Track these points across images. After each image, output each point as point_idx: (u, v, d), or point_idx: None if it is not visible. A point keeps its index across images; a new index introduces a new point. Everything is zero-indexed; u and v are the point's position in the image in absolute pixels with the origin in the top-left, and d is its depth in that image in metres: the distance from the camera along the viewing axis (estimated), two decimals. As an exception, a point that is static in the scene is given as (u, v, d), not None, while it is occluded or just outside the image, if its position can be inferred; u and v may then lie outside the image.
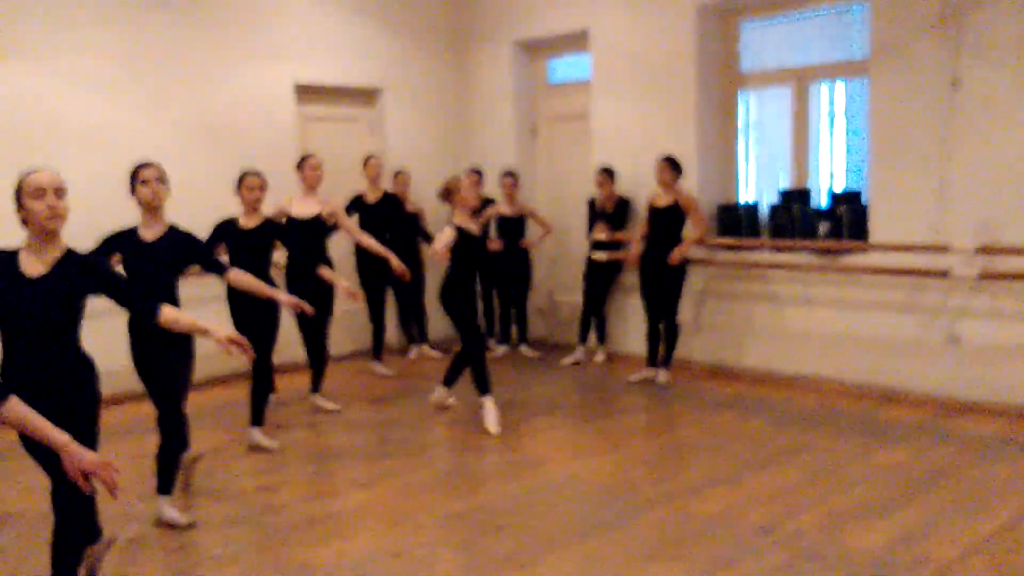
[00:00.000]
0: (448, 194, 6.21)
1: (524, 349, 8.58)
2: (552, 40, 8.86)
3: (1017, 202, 5.94)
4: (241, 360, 3.49)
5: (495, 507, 4.67)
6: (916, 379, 6.47)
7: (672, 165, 7.04)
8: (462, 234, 6.09)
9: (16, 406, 2.60)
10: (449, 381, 6.51)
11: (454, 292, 6.25)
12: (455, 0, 9.39)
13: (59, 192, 3.18)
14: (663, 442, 5.94)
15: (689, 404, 6.66)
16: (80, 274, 3.23)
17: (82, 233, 4.19)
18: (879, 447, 5.43)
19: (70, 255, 3.26)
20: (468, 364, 6.25)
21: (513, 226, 8.43)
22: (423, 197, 8.62)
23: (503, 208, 8.43)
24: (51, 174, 3.19)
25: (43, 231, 3.18)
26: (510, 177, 8.41)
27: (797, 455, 5.36)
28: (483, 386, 6.16)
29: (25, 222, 3.19)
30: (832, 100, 7.47)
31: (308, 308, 4.96)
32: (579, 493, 4.85)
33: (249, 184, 5.62)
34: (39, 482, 4.28)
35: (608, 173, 7.85)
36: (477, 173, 8.40)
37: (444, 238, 6.03)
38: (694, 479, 5.02)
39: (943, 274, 6.18)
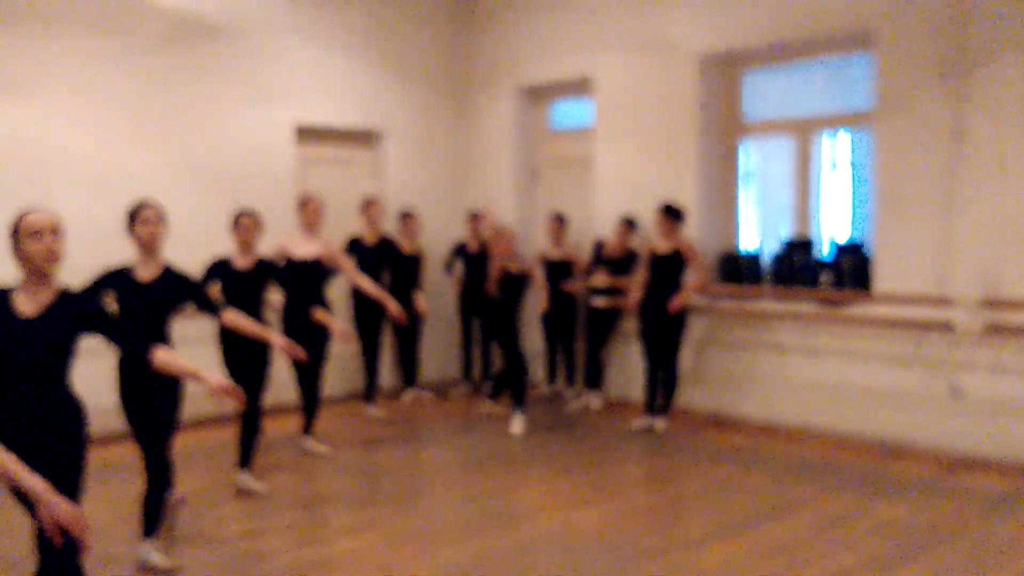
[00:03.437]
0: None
1: (566, 391, 8.47)
2: (554, 86, 8.95)
3: (1021, 255, 5.95)
4: (230, 402, 3.48)
5: (488, 557, 4.59)
6: (920, 433, 6.41)
7: (670, 215, 7.05)
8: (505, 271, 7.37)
9: None
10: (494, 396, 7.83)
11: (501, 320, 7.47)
12: (457, 44, 9.50)
13: (56, 233, 3.18)
14: (661, 493, 5.86)
15: (688, 454, 6.59)
16: (74, 314, 3.21)
17: (76, 272, 4.17)
18: (882, 501, 5.36)
19: (64, 295, 3.24)
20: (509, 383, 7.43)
21: (558, 269, 8.17)
22: (422, 239, 8.65)
23: (549, 251, 8.29)
24: (48, 215, 3.19)
25: (38, 272, 3.17)
26: (557, 220, 8.30)
27: (799, 509, 5.29)
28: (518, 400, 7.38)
29: (21, 261, 3.19)
30: (835, 151, 7.53)
31: (302, 354, 4.90)
32: (574, 545, 4.77)
33: (243, 224, 5.62)
34: (19, 523, 4.23)
35: (630, 224, 7.81)
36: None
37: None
38: (693, 532, 4.94)
39: (946, 327, 6.17)
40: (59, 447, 3.19)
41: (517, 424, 7.22)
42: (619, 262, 7.88)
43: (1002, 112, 6.01)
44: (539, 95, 9.21)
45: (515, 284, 7.39)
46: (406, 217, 8.41)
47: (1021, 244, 5.95)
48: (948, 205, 6.25)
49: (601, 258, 7.98)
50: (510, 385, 7.44)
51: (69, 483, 3.13)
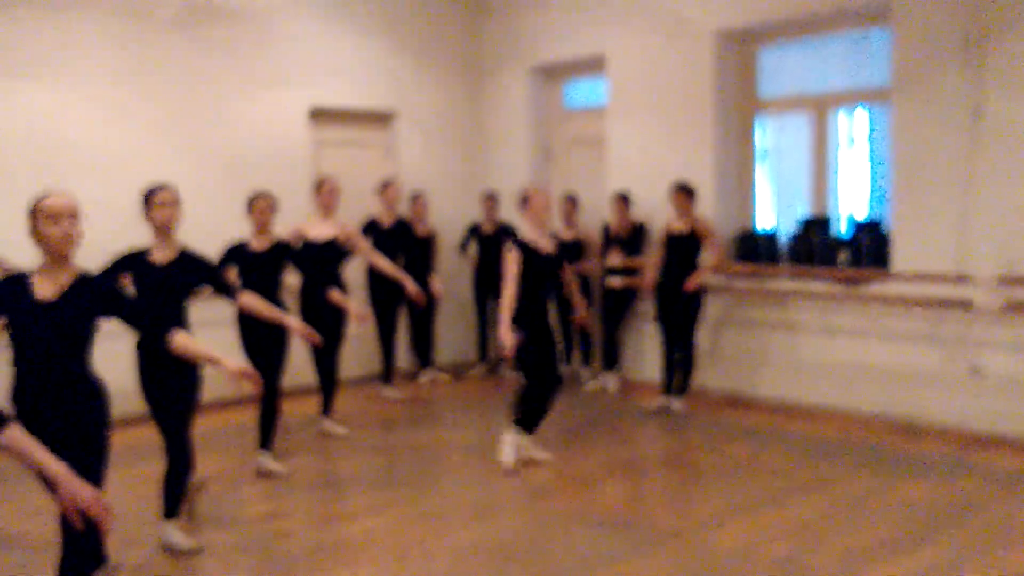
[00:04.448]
0: (523, 203, 5.76)
1: (584, 373, 8.50)
2: (568, 65, 8.90)
3: (1042, 232, 5.90)
4: (248, 386, 3.50)
5: (506, 537, 4.62)
6: (938, 411, 6.39)
7: (687, 192, 7.03)
8: (526, 251, 5.58)
9: (15, 433, 2.57)
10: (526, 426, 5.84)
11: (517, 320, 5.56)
12: (471, 24, 9.45)
13: (73, 217, 3.20)
14: (678, 473, 5.87)
15: (705, 434, 6.60)
16: (92, 297, 3.24)
17: (92, 255, 4.19)
18: (900, 481, 5.35)
19: (83, 278, 3.26)
20: (528, 402, 5.67)
21: (570, 251, 8.01)
22: (437, 220, 8.66)
23: (562, 232, 8.22)
24: (66, 199, 3.21)
25: (57, 255, 3.19)
26: (569, 202, 8.27)
27: (816, 488, 5.28)
28: (522, 422, 5.70)
29: (39, 245, 3.21)
30: (852, 127, 7.45)
31: (316, 338, 4.91)
32: (591, 524, 4.79)
33: (260, 206, 5.64)
34: (44, 505, 4.28)
35: (624, 199, 7.85)
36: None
37: (509, 266, 5.52)
38: (710, 511, 4.95)
39: (965, 304, 6.13)
40: (81, 430, 3.23)
41: (507, 449, 5.71)
42: (627, 240, 7.87)
43: (1020, 87, 5.93)
44: (553, 74, 9.17)
45: (541, 270, 5.69)
46: (415, 198, 8.41)
47: (1041, 221, 5.90)
48: (967, 182, 6.19)
49: (610, 239, 7.98)
50: (528, 403, 5.78)
51: (91, 466, 3.16)
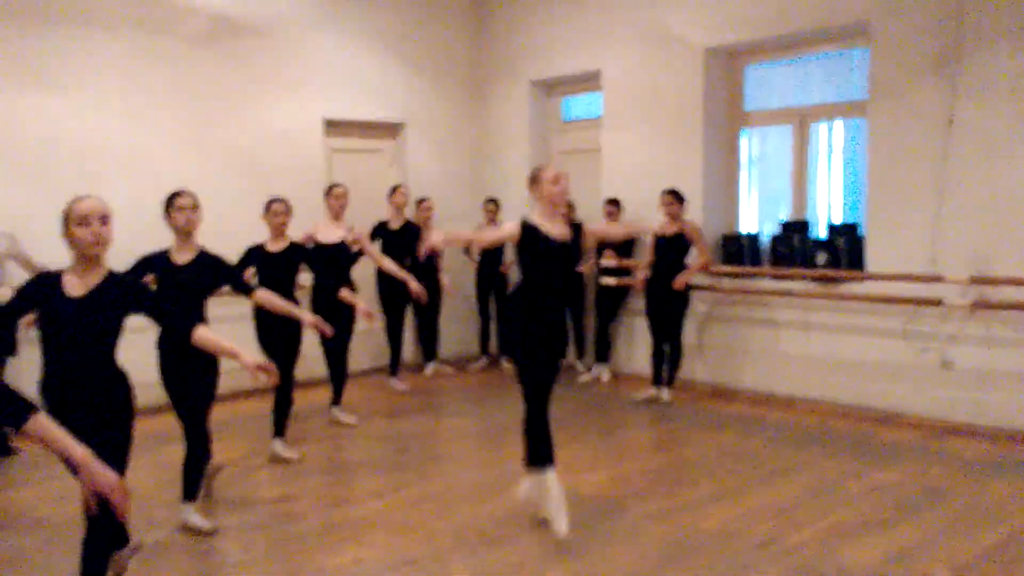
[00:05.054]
0: (533, 182, 4.46)
1: (578, 365, 8.46)
2: (566, 79, 8.88)
3: (1008, 235, 5.87)
4: (264, 378, 3.45)
5: (504, 518, 4.59)
6: (911, 402, 6.36)
7: (677, 197, 7.01)
8: (529, 233, 4.34)
9: (42, 421, 2.54)
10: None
11: (512, 310, 4.45)
12: (475, 41, 9.44)
13: (103, 220, 3.18)
14: (665, 459, 5.84)
15: (691, 423, 6.57)
16: (120, 295, 3.23)
17: (120, 256, 4.17)
18: (875, 467, 5.32)
19: (111, 277, 3.25)
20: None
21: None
22: (442, 224, 8.63)
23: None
24: (96, 202, 3.19)
25: (87, 256, 3.18)
26: (568, 206, 8.24)
27: (795, 473, 5.25)
28: (530, 455, 4.42)
29: (71, 246, 3.19)
30: (831, 138, 7.43)
31: (328, 329, 4.87)
32: (584, 506, 4.75)
33: (275, 210, 5.62)
34: (67, 489, 4.26)
35: (615, 203, 7.83)
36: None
37: (499, 230, 4.52)
38: (695, 495, 4.92)
39: (937, 303, 6.09)
40: (107, 419, 3.21)
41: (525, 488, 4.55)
42: (620, 241, 7.85)
43: (991, 99, 5.91)
44: (552, 88, 9.15)
45: (548, 257, 4.37)
46: (421, 203, 8.39)
47: (1008, 224, 5.87)
48: (938, 187, 6.16)
49: (604, 242, 7.95)
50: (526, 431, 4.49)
51: (116, 453, 3.14)
